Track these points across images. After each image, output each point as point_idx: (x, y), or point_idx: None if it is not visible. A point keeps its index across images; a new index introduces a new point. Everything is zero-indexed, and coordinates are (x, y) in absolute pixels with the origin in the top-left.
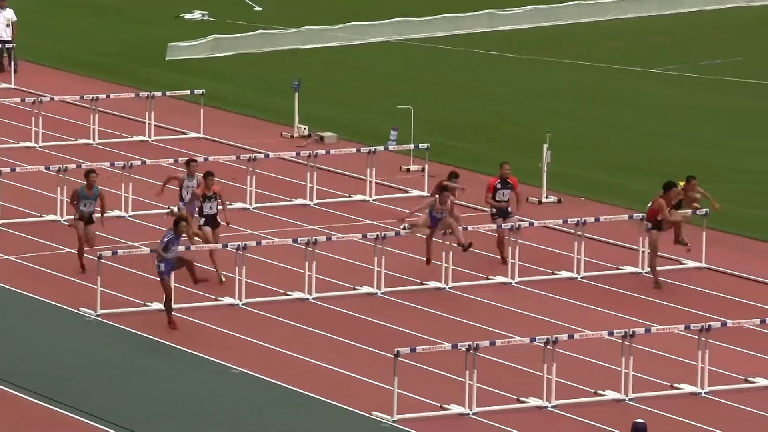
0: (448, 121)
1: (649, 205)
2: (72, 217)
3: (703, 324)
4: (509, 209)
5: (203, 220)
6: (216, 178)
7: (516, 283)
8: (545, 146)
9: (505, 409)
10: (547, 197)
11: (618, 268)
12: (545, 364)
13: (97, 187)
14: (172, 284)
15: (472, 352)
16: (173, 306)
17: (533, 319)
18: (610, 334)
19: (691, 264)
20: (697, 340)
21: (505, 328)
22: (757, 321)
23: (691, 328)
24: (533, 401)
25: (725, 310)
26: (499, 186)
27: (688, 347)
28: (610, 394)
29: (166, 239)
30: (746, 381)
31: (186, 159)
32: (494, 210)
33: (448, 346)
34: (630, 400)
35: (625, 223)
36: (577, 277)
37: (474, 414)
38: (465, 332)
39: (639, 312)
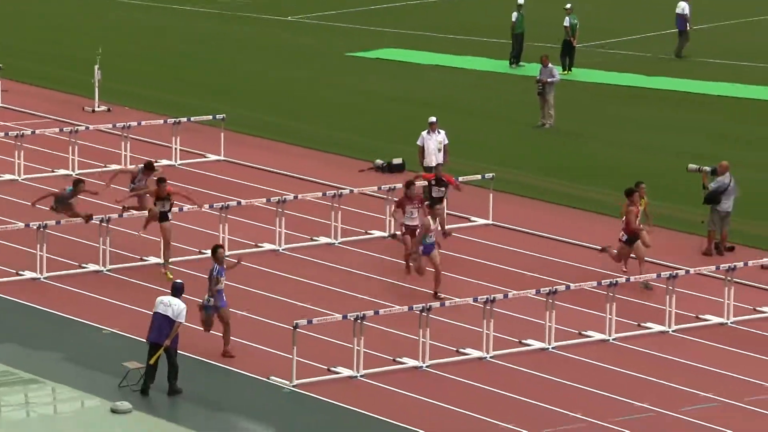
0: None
1: (624, 218)
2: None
3: None
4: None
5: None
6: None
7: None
8: (96, 66)
9: None
10: (99, 107)
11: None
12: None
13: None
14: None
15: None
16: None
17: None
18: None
19: None
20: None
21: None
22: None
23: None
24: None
25: None
26: (433, 183)
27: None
28: (152, 260)
29: (215, 273)
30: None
31: (146, 162)
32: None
33: None
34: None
35: (161, 126)
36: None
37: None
38: None
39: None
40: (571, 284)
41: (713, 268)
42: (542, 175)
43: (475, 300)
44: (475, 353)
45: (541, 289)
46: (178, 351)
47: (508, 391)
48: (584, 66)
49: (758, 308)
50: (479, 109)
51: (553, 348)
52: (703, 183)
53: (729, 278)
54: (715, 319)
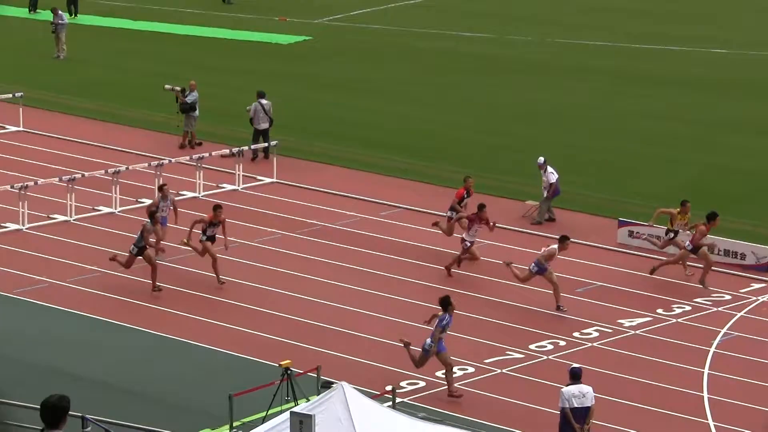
0: None
1: (692, 232)
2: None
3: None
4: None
5: (204, 237)
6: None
7: None
8: None
9: None
10: None
11: None
12: None
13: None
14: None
15: None
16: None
17: None
18: None
19: None
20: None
21: None
22: None
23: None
24: None
25: None
26: (466, 196)
27: None
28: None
29: (444, 322)
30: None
31: (160, 185)
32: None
33: None
34: None
35: None
36: None
37: None
38: None
39: None
40: (85, 173)
41: (188, 157)
42: (68, 94)
43: (12, 186)
44: (13, 226)
45: (63, 177)
46: None
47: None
48: (86, 13)
49: (220, 184)
50: (7, 45)
51: (74, 220)
52: (177, 98)
53: (199, 165)
54: (189, 194)
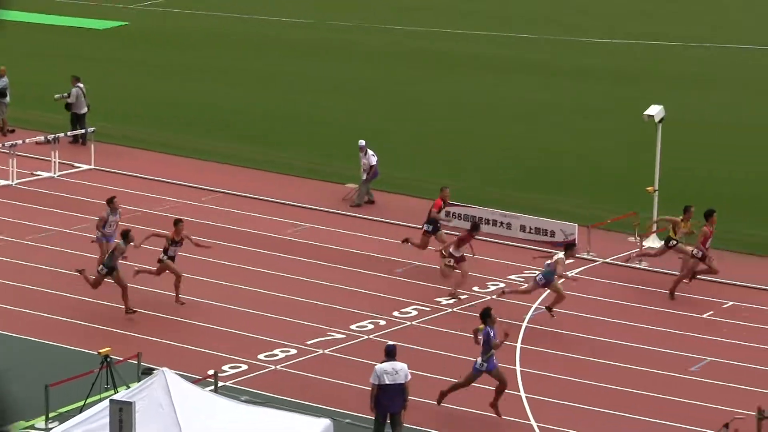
0: None
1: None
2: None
3: None
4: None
5: (165, 256)
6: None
7: None
8: None
9: None
10: None
11: None
12: None
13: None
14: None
15: None
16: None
17: None
18: None
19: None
20: None
21: None
22: None
23: None
24: None
25: None
26: (443, 206)
27: None
28: None
29: (481, 336)
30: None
31: (108, 197)
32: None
33: None
34: None
35: None
36: None
37: None
38: None
39: None
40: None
41: (1, 144)
42: None
43: None
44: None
45: None
46: None
47: None
48: None
49: (34, 172)
50: None
51: None
52: None
53: (12, 152)
54: (2, 182)
